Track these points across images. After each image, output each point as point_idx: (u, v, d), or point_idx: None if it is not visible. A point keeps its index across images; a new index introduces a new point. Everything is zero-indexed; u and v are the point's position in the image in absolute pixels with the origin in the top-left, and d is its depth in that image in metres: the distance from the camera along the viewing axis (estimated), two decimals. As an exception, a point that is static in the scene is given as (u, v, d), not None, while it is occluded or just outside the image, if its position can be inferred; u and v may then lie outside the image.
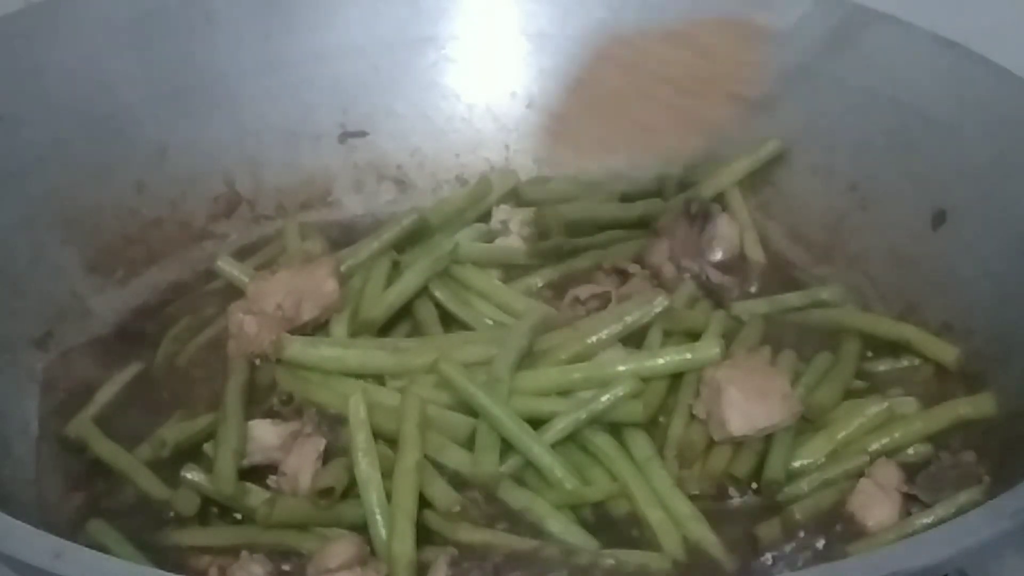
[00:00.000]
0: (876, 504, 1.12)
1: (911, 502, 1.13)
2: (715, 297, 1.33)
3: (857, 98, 1.39)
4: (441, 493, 1.09)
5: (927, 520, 1.10)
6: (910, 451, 1.18)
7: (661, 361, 1.18)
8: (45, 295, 1.30)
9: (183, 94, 1.41)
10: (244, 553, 1.07)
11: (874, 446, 1.17)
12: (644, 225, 1.41)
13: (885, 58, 1.37)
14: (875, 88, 1.37)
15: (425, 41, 1.50)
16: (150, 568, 0.91)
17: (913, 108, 1.34)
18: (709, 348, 1.19)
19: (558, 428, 1.13)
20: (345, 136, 1.50)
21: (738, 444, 1.15)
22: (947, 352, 1.25)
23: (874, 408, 1.19)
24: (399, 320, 1.28)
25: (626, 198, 1.45)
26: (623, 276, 1.34)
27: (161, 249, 1.40)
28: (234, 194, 1.46)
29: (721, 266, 1.38)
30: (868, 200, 1.40)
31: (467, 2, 1.50)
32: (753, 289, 1.38)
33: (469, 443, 1.13)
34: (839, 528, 1.12)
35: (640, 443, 1.15)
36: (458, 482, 1.11)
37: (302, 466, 1.11)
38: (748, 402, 1.13)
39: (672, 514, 1.10)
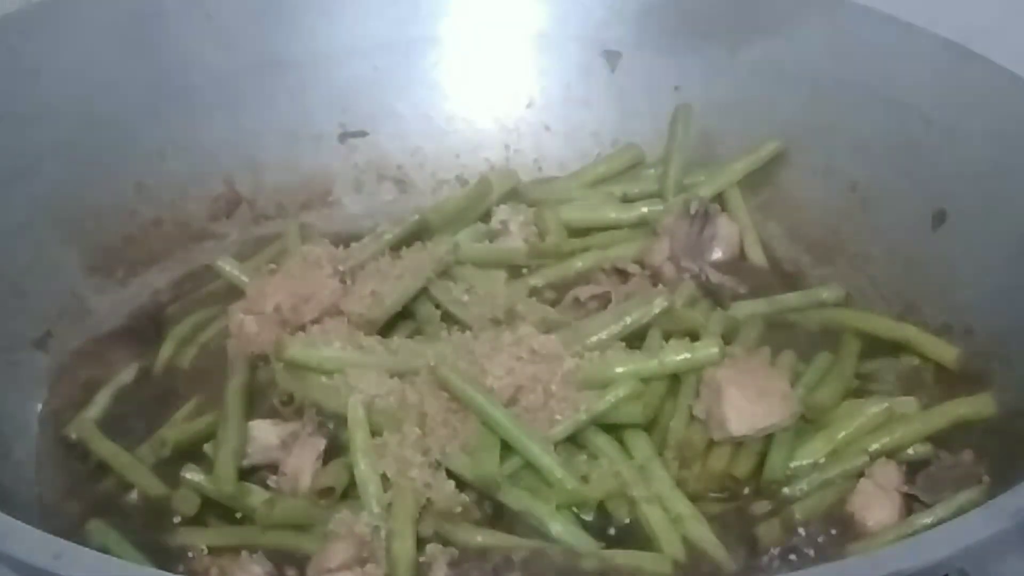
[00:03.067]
0: (876, 504, 1.12)
1: (911, 502, 1.13)
2: (715, 297, 1.32)
3: (857, 98, 1.39)
4: (442, 494, 1.09)
5: (927, 520, 1.10)
6: (910, 451, 1.18)
7: (661, 362, 1.18)
8: (45, 295, 1.30)
9: (183, 94, 1.42)
10: (244, 553, 1.07)
11: (874, 446, 1.17)
12: (644, 225, 1.41)
13: (885, 58, 1.37)
14: (875, 88, 1.37)
15: (426, 41, 1.50)
16: (150, 568, 0.91)
17: (913, 108, 1.34)
18: (708, 348, 1.18)
19: (558, 429, 1.13)
20: (345, 136, 1.50)
21: (738, 444, 1.15)
22: (947, 352, 1.25)
23: (874, 408, 1.19)
24: (399, 320, 1.28)
25: (626, 199, 1.45)
26: (623, 276, 1.34)
27: (161, 249, 1.41)
28: (234, 194, 1.46)
29: (721, 266, 1.37)
30: (868, 200, 1.39)
31: (467, 2, 1.50)
32: (753, 289, 1.37)
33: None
34: (839, 528, 1.12)
35: (640, 443, 1.15)
36: (459, 483, 1.11)
37: (302, 466, 1.11)
38: (748, 402, 1.13)
39: (672, 514, 1.10)
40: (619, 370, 1.16)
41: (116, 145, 1.38)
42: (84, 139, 1.35)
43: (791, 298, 1.34)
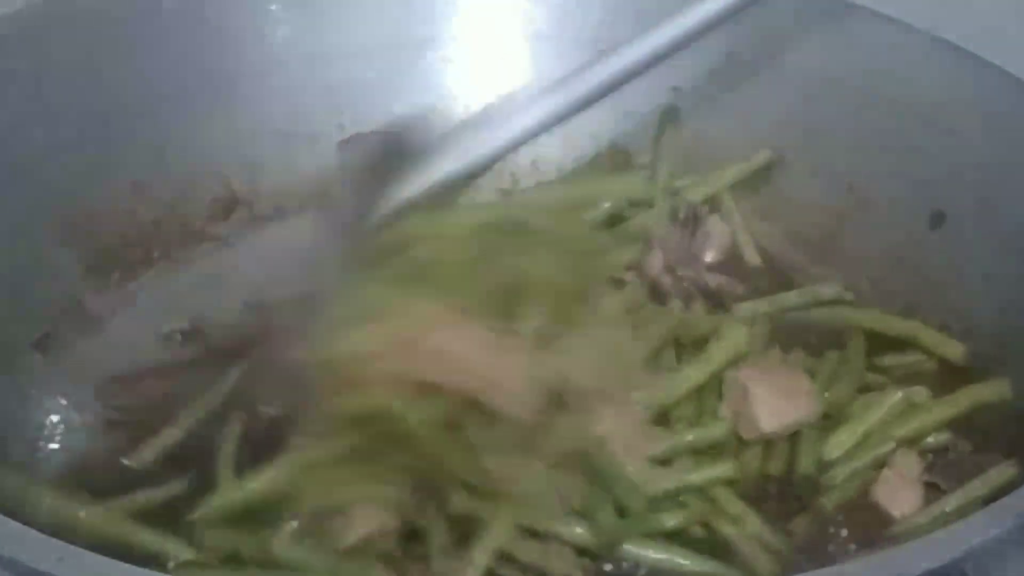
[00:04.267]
0: (899, 493, 1.13)
1: (933, 490, 1.14)
2: (715, 299, 1.32)
3: (856, 98, 1.39)
4: (564, 564, 1.06)
5: (949, 507, 1.11)
6: (930, 439, 1.18)
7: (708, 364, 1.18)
8: (43, 297, 1.29)
9: (181, 95, 1.41)
10: None
11: (898, 434, 1.17)
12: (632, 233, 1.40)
13: (885, 58, 1.37)
14: (874, 88, 1.38)
15: (423, 42, 1.50)
16: (151, 571, 0.90)
17: (912, 108, 1.34)
18: (736, 334, 1.19)
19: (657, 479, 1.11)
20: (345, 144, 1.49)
21: (768, 443, 1.15)
22: (954, 348, 1.25)
23: (892, 399, 1.19)
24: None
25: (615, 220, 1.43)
26: (617, 284, 1.33)
27: (159, 251, 1.40)
28: (232, 195, 1.46)
29: (717, 267, 1.37)
30: (866, 201, 1.40)
31: (465, 3, 1.50)
32: (751, 289, 1.37)
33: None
34: (868, 519, 1.12)
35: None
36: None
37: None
38: (776, 399, 1.14)
39: (747, 530, 1.10)
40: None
41: (114, 146, 1.37)
42: (81, 140, 1.34)
43: (791, 297, 1.34)
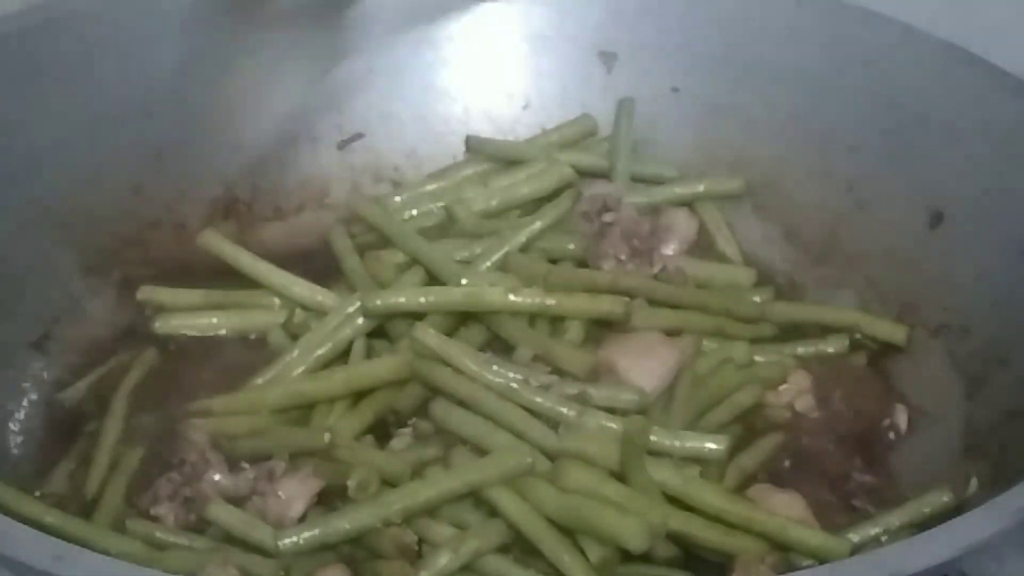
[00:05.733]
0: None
1: None
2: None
3: (854, 99, 1.39)
4: None
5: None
6: None
7: None
8: (42, 297, 1.30)
9: (180, 96, 1.40)
10: None
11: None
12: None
13: (884, 58, 1.37)
14: (872, 89, 1.38)
15: (422, 43, 1.50)
16: (150, 570, 0.90)
17: (911, 108, 1.34)
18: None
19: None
20: (344, 143, 1.49)
21: None
22: (898, 333, 1.30)
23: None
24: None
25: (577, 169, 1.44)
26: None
27: (158, 251, 1.40)
28: (231, 196, 1.46)
29: (676, 259, 1.35)
30: (865, 201, 1.40)
31: (464, 4, 1.50)
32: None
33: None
34: None
35: None
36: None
37: (297, 496, 1.09)
38: (640, 361, 1.19)
39: None
40: None
41: (113, 147, 1.37)
42: (81, 141, 1.34)
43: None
